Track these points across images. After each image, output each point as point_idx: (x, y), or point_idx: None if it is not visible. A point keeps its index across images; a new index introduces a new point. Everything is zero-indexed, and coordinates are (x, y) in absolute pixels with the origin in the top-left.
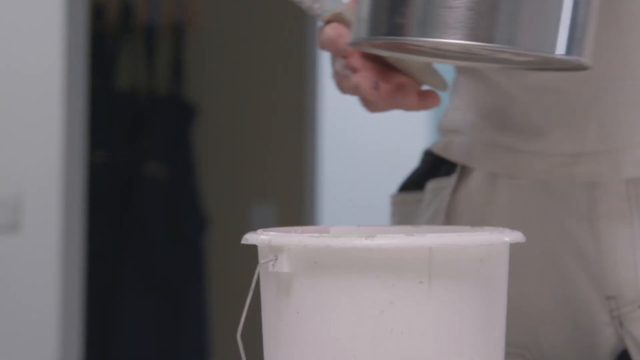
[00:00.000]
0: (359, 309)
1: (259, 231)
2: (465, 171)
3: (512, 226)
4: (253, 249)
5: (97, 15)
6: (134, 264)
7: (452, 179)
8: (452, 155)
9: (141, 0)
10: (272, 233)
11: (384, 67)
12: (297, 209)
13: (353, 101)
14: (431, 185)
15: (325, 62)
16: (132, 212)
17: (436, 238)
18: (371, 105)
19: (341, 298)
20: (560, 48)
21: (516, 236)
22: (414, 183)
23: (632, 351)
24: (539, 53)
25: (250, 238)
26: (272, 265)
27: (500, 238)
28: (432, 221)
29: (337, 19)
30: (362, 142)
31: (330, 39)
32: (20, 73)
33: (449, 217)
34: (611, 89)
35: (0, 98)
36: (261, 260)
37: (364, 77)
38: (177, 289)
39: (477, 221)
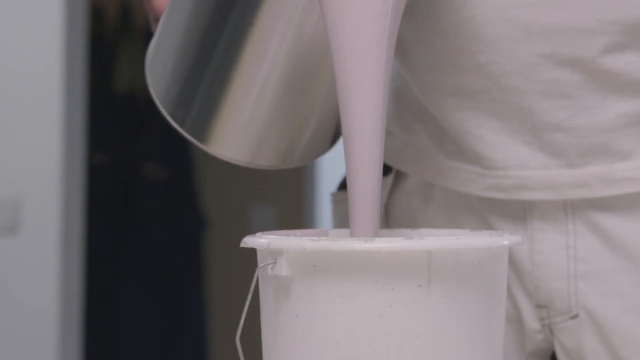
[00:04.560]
0: (358, 312)
1: (258, 234)
2: (401, 172)
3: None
4: (252, 250)
5: (97, 16)
6: (133, 265)
7: (388, 179)
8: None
9: (140, 2)
10: (271, 236)
11: None
12: (297, 210)
13: None
14: None
15: None
16: (132, 213)
17: (435, 241)
18: None
19: (340, 301)
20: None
21: (515, 239)
22: None
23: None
24: None
25: (249, 241)
26: (271, 268)
27: (500, 241)
28: None
29: None
30: None
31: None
32: (19, 74)
33: (387, 217)
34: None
35: (0, 99)
36: (260, 264)
37: None
38: (176, 291)
39: (415, 223)
